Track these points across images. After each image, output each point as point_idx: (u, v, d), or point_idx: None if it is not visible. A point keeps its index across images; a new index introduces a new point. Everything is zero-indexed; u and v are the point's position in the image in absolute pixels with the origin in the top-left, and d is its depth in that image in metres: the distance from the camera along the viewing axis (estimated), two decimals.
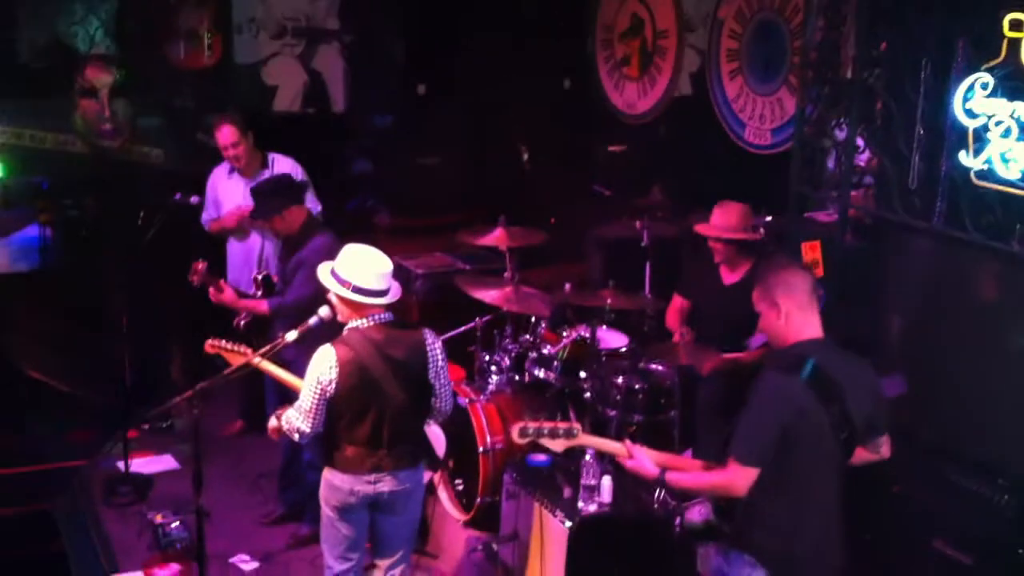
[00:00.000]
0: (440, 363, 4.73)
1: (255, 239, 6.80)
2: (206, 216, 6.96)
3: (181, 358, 8.24)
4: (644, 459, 4.11)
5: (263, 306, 5.87)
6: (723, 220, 5.90)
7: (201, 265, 5.96)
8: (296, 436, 4.57)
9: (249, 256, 6.82)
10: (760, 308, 4.03)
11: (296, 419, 4.53)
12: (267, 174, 6.67)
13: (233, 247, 6.93)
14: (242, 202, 6.75)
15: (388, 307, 4.62)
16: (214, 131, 6.68)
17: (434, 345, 4.71)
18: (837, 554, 4.06)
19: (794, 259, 4.02)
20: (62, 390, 7.91)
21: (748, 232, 5.89)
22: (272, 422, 4.72)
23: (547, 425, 4.23)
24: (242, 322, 5.95)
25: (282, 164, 6.76)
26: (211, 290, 5.97)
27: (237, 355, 4.95)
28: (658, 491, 5.05)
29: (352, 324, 4.58)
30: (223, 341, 4.99)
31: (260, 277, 6.03)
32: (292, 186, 5.97)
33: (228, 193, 6.86)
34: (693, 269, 6.26)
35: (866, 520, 5.15)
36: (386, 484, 4.64)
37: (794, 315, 3.95)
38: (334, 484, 4.65)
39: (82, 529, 6.35)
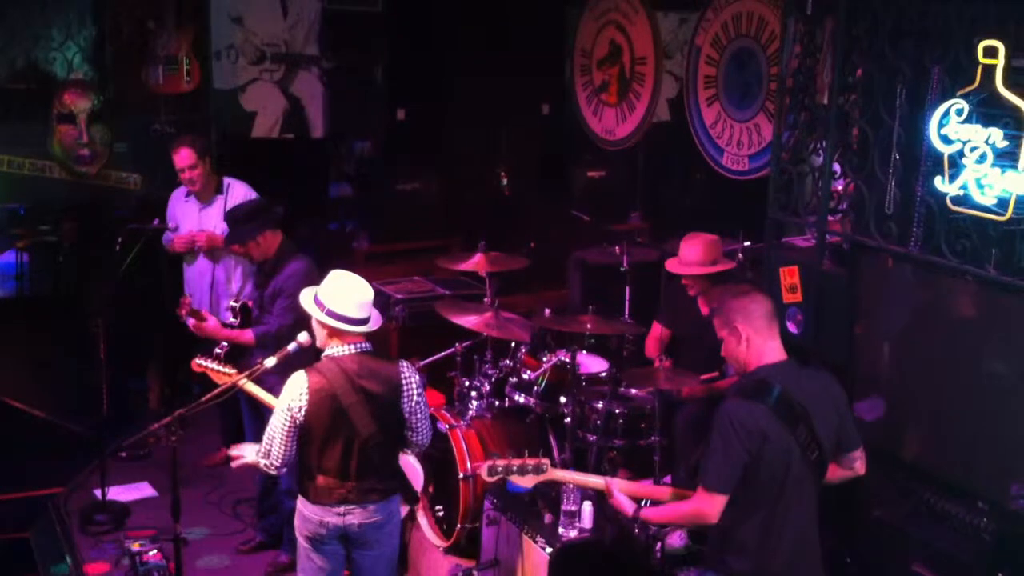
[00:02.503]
0: (416, 397, 4.67)
1: (205, 264, 6.82)
2: (166, 237, 6.97)
3: (159, 385, 8.20)
4: (621, 497, 4.17)
5: (247, 335, 5.84)
6: (690, 255, 5.88)
7: (188, 299, 5.97)
8: (264, 462, 4.54)
9: (201, 281, 6.83)
10: (721, 334, 4.08)
11: (267, 445, 4.50)
12: (220, 199, 6.69)
13: (188, 272, 6.94)
14: (195, 227, 6.78)
15: (368, 338, 4.60)
16: (172, 153, 6.68)
17: (411, 379, 4.65)
18: (815, 574, 4.08)
19: (755, 282, 4.03)
20: (39, 417, 7.85)
21: (718, 264, 5.89)
22: (239, 451, 4.72)
23: (516, 462, 4.27)
24: (222, 352, 5.93)
25: (237, 189, 6.77)
26: (192, 321, 5.95)
27: (222, 375, 4.94)
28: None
29: (328, 352, 4.56)
30: (209, 360, 4.98)
31: (238, 305, 6.01)
32: (267, 211, 5.96)
33: (183, 216, 6.89)
34: (672, 299, 6.27)
35: (846, 544, 5.16)
36: (355, 516, 4.59)
37: (753, 340, 4.00)
38: (305, 515, 4.62)
39: (59, 558, 6.30)
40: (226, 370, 4.98)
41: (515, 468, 4.28)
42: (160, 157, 9.11)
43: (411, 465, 5.17)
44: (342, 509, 4.57)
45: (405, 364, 4.70)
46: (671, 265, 5.97)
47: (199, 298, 6.80)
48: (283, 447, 4.48)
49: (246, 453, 4.72)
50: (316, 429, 4.47)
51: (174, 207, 6.98)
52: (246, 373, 4.85)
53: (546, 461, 4.32)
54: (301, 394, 4.44)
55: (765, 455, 3.85)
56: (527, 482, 4.32)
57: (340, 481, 4.55)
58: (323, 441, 4.50)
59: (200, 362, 5.08)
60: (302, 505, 4.63)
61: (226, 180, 6.85)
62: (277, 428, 4.48)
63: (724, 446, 3.87)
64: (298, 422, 4.46)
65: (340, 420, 4.48)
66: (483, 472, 4.30)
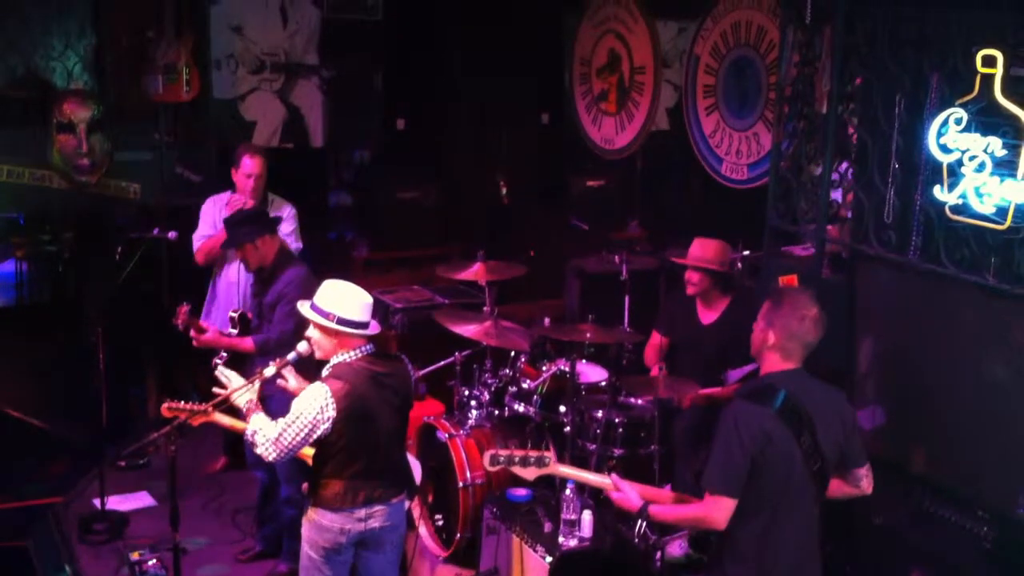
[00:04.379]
0: (414, 391, 4.80)
1: (238, 275, 6.75)
2: (199, 234, 6.86)
3: (158, 394, 8.19)
4: (629, 491, 4.13)
5: (247, 343, 5.83)
6: (701, 252, 5.94)
7: (184, 308, 5.94)
8: (262, 447, 4.44)
9: (230, 291, 6.78)
10: (759, 319, 4.07)
11: (267, 448, 4.43)
12: None
13: (219, 282, 6.88)
14: None
15: (369, 339, 4.61)
16: (242, 156, 6.68)
17: (413, 371, 4.79)
18: None
19: (816, 305, 3.99)
20: (38, 426, 7.84)
21: (725, 267, 5.93)
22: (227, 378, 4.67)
23: (518, 453, 4.26)
24: (221, 362, 5.90)
25: (280, 206, 6.75)
26: (192, 332, 5.93)
27: (196, 414, 4.81)
28: (639, 525, 5.03)
29: (337, 359, 4.55)
30: (180, 403, 4.89)
31: (236, 315, 6.00)
32: (265, 217, 5.96)
33: (218, 221, 6.83)
34: (671, 307, 6.28)
35: (845, 550, 5.16)
36: (376, 519, 4.59)
37: (777, 352, 4.00)
38: (323, 525, 4.57)
39: (58, 566, 6.28)
40: (198, 409, 4.87)
41: (517, 459, 4.26)
42: (160, 166, 9.17)
43: (410, 459, 5.18)
44: (364, 512, 4.56)
45: (405, 358, 4.78)
46: (678, 257, 6.00)
47: (225, 308, 6.75)
48: (288, 450, 4.42)
49: (241, 397, 4.63)
50: (343, 435, 4.44)
51: (210, 212, 6.87)
52: (224, 395, 4.74)
53: (549, 454, 4.30)
54: (327, 404, 4.39)
55: (768, 458, 3.84)
56: (529, 474, 4.30)
57: (364, 481, 4.54)
58: (349, 445, 4.47)
59: (171, 406, 4.95)
60: (318, 516, 4.58)
61: (272, 197, 6.83)
62: (292, 434, 4.39)
63: (728, 448, 3.86)
64: (325, 432, 4.42)
65: (367, 421, 4.48)
66: (485, 461, 4.29)
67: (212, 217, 6.87)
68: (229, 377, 4.73)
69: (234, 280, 6.75)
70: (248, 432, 4.53)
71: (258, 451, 4.48)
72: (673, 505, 4.14)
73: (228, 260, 6.75)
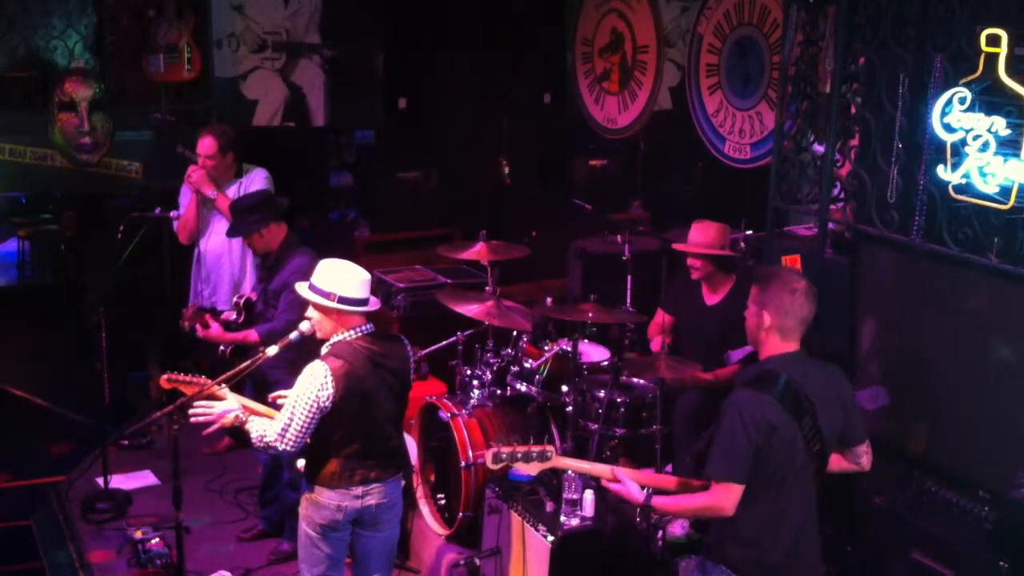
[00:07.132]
0: (412, 371, 4.80)
1: (222, 247, 6.72)
2: (177, 214, 6.89)
3: (160, 374, 8.20)
4: (630, 483, 4.12)
5: (252, 336, 5.81)
6: (700, 237, 5.90)
7: (189, 310, 5.95)
8: (278, 446, 4.49)
9: (219, 261, 6.75)
10: (750, 305, 4.07)
11: (277, 439, 4.45)
12: (236, 185, 6.62)
13: (204, 255, 6.85)
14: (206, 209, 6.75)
15: (369, 319, 4.62)
16: (199, 136, 6.68)
17: (411, 351, 4.77)
18: (814, 563, 4.09)
19: (805, 278, 4.00)
20: (40, 406, 7.86)
21: (726, 250, 5.90)
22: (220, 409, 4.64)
23: (520, 449, 4.25)
24: (228, 350, 5.91)
25: (255, 177, 6.70)
26: (197, 327, 5.92)
27: (193, 387, 4.81)
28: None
29: (336, 338, 4.55)
30: (179, 374, 4.89)
31: (241, 302, 5.99)
32: (272, 203, 5.94)
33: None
34: (676, 288, 6.27)
35: (846, 532, 5.17)
36: (373, 497, 4.61)
37: (775, 333, 4.00)
38: (320, 502, 4.59)
39: (61, 546, 6.31)
40: (197, 380, 4.86)
41: (520, 455, 4.27)
42: (161, 145, 9.17)
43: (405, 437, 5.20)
44: (361, 490, 4.58)
45: (403, 338, 4.78)
46: (679, 244, 5.98)
47: (215, 282, 6.75)
48: (301, 435, 4.44)
49: (227, 414, 4.62)
50: (341, 414, 4.46)
51: (187, 190, 6.91)
52: (229, 374, 4.73)
53: (551, 448, 4.30)
54: (326, 381, 4.40)
55: (771, 445, 3.84)
56: (532, 469, 4.30)
57: (361, 461, 4.55)
58: (347, 424, 4.49)
59: (171, 377, 4.94)
60: (316, 494, 4.59)
61: (246, 167, 6.81)
62: (300, 418, 4.41)
63: (733, 437, 3.85)
64: (325, 410, 4.44)
65: (364, 401, 4.49)
66: (488, 460, 4.29)
67: (188, 196, 6.87)
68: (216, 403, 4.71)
69: (220, 251, 6.71)
70: (255, 440, 4.54)
71: (274, 450, 4.49)
72: (678, 496, 4.11)
73: (207, 232, 6.74)
